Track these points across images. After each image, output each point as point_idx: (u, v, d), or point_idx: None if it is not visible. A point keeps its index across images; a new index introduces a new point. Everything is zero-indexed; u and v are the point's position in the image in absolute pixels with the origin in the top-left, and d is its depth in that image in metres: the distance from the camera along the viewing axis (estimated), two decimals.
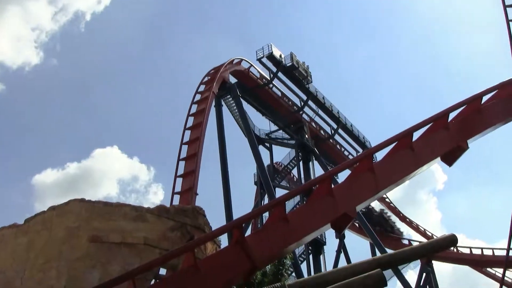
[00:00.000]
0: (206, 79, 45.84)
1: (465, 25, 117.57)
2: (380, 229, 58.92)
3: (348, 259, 50.49)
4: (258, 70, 49.48)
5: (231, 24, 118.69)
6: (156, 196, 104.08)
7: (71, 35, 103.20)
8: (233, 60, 48.64)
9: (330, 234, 49.14)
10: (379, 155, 13.85)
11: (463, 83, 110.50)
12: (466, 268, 61.23)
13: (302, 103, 51.68)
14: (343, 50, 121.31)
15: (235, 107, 47.02)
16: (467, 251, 58.29)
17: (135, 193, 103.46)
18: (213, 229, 17.12)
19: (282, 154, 56.42)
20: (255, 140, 45.45)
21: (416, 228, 67.62)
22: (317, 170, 51.83)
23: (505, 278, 28.66)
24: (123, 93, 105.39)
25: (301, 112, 52.37)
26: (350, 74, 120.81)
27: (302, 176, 51.31)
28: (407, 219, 68.64)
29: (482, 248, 57.40)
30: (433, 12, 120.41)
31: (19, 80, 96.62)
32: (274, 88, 50.42)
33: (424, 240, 55.89)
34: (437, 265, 58.68)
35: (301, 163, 51.64)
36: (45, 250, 16.62)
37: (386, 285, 9.11)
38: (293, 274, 37.29)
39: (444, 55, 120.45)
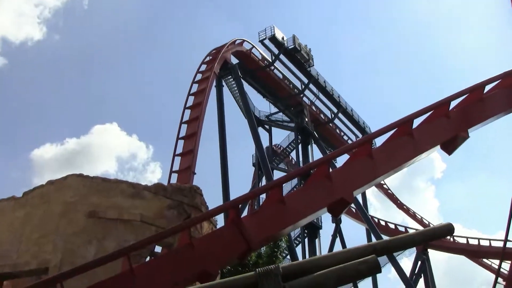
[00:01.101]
0: (207, 58, 45.73)
1: (467, 16, 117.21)
2: None
3: (343, 244, 50.77)
4: (260, 51, 49.45)
5: (234, 5, 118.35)
6: (153, 174, 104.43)
7: (74, 11, 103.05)
8: (235, 40, 48.51)
9: (326, 218, 49.41)
10: (379, 141, 13.83)
11: (464, 73, 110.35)
12: (461, 258, 61.37)
13: (303, 86, 51.67)
14: (345, 35, 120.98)
15: (235, 88, 46.97)
16: (463, 241, 58.32)
17: (133, 171, 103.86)
18: (209, 208, 17.15)
19: (281, 137, 56.67)
20: (254, 122, 45.40)
21: (413, 215, 67.79)
22: (316, 153, 52.10)
23: (501, 270, 28.73)
24: (124, 70, 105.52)
25: (301, 95, 52.40)
26: (350, 60, 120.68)
27: (301, 159, 51.46)
28: (404, 206, 68.82)
29: (479, 239, 57.48)
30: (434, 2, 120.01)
31: (21, 55, 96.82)
32: (275, 70, 50.39)
33: (420, 228, 56.03)
34: (433, 254, 58.98)
35: (300, 146, 51.82)
36: (42, 224, 16.62)
37: (380, 271, 9.06)
38: (288, 257, 37.46)
39: (445, 46, 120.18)
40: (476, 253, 57.15)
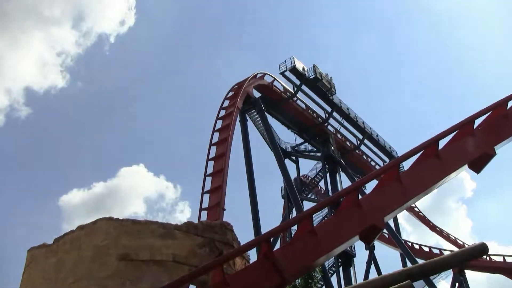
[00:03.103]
0: (230, 94, 45.90)
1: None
2: None
3: (378, 271, 50.15)
4: (282, 83, 49.53)
5: (251, 40, 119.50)
6: (183, 214, 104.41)
7: (95, 58, 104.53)
8: (256, 74, 48.68)
9: (359, 246, 48.96)
10: (406, 165, 13.75)
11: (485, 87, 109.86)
12: (500, 277, 60.33)
13: (327, 115, 51.65)
14: (362, 56, 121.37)
15: (260, 121, 47.02)
16: (500, 259, 57.52)
17: (162, 211, 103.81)
18: (241, 244, 17.11)
19: (308, 167, 56.54)
20: (281, 154, 45.36)
21: (446, 237, 67.08)
22: (344, 181, 51.79)
23: None
24: (148, 112, 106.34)
25: (326, 124, 52.31)
26: (368, 78, 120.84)
27: (330, 188, 51.18)
28: (437, 228, 68.18)
29: None
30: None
31: (46, 103, 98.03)
32: (298, 101, 50.41)
33: (455, 249, 55.34)
34: (470, 274, 58.05)
35: (328, 175, 51.49)
36: (74, 269, 16.68)
37: None
38: (324, 287, 37.19)
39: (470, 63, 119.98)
40: None
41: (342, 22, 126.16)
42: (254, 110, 46.55)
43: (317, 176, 53.00)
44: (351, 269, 47.49)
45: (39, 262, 18.13)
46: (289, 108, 49.58)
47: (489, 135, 13.10)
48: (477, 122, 13.12)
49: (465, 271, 55.41)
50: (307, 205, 47.72)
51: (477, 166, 12.90)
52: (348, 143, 56.36)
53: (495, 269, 57.63)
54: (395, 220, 56.19)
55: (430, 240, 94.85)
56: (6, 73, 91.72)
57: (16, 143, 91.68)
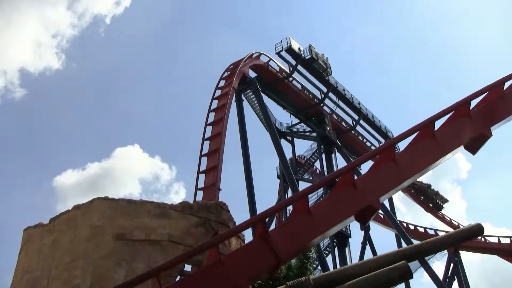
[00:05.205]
0: (225, 74, 45.74)
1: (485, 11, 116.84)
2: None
3: (374, 251, 50.33)
4: (278, 63, 49.28)
5: (248, 20, 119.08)
6: (177, 195, 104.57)
7: (91, 39, 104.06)
8: (252, 54, 48.44)
9: (355, 226, 49.08)
10: (401, 146, 13.71)
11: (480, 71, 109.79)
12: (496, 259, 60.66)
13: (323, 95, 51.45)
14: (358, 36, 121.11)
15: (255, 102, 46.87)
16: (495, 240, 57.79)
17: (157, 193, 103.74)
18: (237, 224, 17.11)
19: (304, 147, 56.49)
20: (276, 134, 45.21)
21: (441, 218, 67.31)
22: (339, 162, 51.78)
23: None
24: (142, 92, 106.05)
25: (322, 105, 52.13)
26: (362, 60, 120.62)
27: (325, 168, 51.22)
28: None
29: (510, 237, 56.92)
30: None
31: (41, 85, 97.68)
32: (294, 81, 50.19)
33: (450, 230, 55.54)
34: (465, 256, 58.33)
35: (323, 155, 51.53)
36: (70, 249, 16.71)
37: (412, 277, 8.99)
38: (319, 267, 37.30)
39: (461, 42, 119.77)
40: (508, 251, 56.49)
41: (339, 3, 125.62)
42: (249, 90, 46.39)
43: (313, 156, 53.05)
44: (347, 249, 47.65)
45: (35, 242, 18.16)
46: (284, 88, 49.40)
47: (485, 116, 13.04)
48: (474, 103, 13.06)
49: (460, 252, 55.79)
50: (303, 186, 47.79)
51: (473, 147, 12.86)
52: (343, 123, 56.21)
53: (490, 250, 57.95)
54: (390, 200, 56.22)
55: (425, 221, 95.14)
56: (0, 54, 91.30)
57: (11, 124, 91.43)
